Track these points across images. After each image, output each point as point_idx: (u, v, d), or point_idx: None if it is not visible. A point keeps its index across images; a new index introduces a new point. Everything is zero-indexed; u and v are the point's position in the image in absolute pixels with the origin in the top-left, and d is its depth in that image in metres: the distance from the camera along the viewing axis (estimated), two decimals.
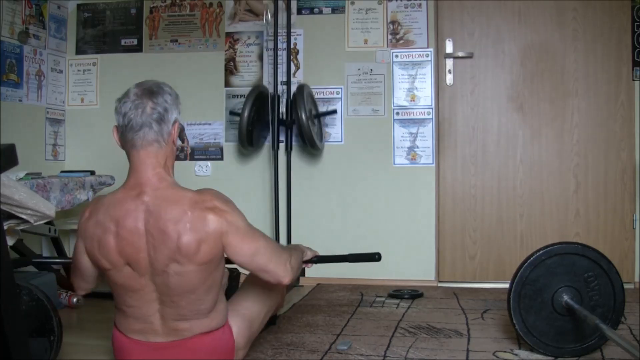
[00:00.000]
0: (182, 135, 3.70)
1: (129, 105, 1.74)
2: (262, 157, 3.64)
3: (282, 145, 3.51)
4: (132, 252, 1.70)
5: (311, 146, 3.40)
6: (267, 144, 3.60)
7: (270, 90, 3.43)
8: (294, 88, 3.55)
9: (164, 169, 1.76)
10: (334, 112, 3.50)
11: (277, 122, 3.38)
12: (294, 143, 3.54)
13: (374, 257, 2.32)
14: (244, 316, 1.96)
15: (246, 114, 3.27)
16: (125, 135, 1.75)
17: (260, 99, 3.37)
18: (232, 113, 3.56)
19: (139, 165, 1.74)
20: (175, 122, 1.78)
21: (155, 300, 1.76)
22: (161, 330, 1.79)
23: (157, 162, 1.74)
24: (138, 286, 1.74)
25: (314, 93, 3.53)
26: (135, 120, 1.72)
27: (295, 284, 3.39)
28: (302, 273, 3.33)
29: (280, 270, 1.82)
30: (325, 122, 3.59)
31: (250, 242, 1.77)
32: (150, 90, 1.76)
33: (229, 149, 3.70)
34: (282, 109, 3.45)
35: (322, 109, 3.57)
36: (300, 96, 3.29)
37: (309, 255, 2.24)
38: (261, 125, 3.44)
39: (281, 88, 3.47)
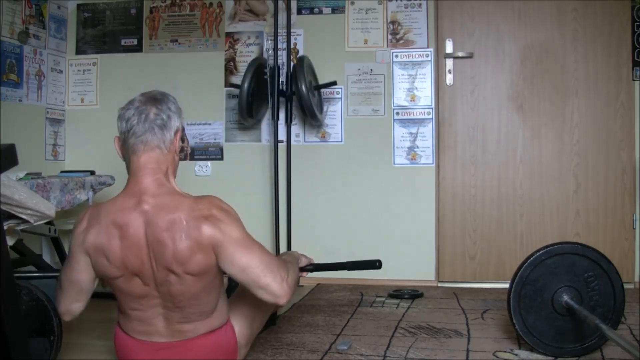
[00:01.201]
0: (182, 134, 3.70)
1: (132, 112, 1.73)
2: (262, 154, 3.64)
3: (282, 118, 3.50)
4: (137, 263, 1.68)
5: (311, 117, 3.40)
6: (268, 116, 3.59)
7: (271, 62, 3.40)
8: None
9: (164, 176, 1.74)
10: (334, 83, 3.46)
11: (277, 93, 3.35)
12: (294, 114, 3.53)
13: (374, 264, 2.19)
14: (245, 314, 1.96)
15: (246, 85, 3.26)
16: (127, 142, 1.73)
17: (260, 70, 3.35)
18: (232, 85, 3.55)
19: (139, 171, 1.72)
20: (177, 131, 1.77)
21: (159, 305, 1.76)
22: (165, 332, 1.79)
23: (157, 167, 1.72)
24: (143, 293, 1.73)
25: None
26: (138, 125, 1.71)
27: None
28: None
29: (275, 288, 1.71)
30: (325, 122, 3.59)
31: (244, 254, 1.69)
32: (154, 98, 1.76)
33: (229, 149, 3.70)
34: (282, 80, 3.43)
35: (322, 114, 3.57)
36: (301, 68, 3.28)
37: (303, 263, 2.15)
38: (261, 97, 3.41)
39: (281, 60, 3.45)
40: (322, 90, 3.54)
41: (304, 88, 3.23)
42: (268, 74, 3.32)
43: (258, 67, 3.34)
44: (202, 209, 1.68)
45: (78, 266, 1.75)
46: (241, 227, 1.73)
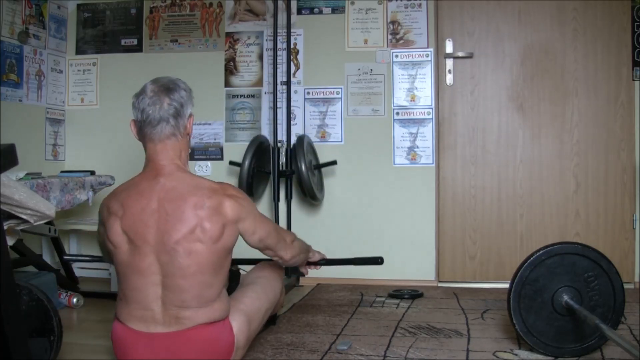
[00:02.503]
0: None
1: (146, 101, 1.85)
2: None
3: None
4: (142, 227, 1.77)
5: (311, 197, 3.39)
6: (267, 194, 3.60)
7: (271, 141, 3.43)
8: (293, 88, 3.56)
9: (180, 160, 1.88)
10: (334, 163, 3.45)
11: (278, 174, 3.35)
12: (293, 193, 3.54)
13: (377, 260, 2.52)
14: (244, 313, 1.96)
15: (246, 165, 3.26)
16: (144, 130, 1.86)
17: (260, 149, 3.37)
18: (232, 163, 3.50)
19: (155, 156, 1.86)
20: (190, 115, 1.91)
21: (158, 284, 1.78)
22: (162, 319, 1.79)
23: (173, 154, 1.86)
24: (143, 265, 1.77)
25: (313, 95, 3.52)
26: (154, 115, 1.83)
27: (295, 283, 3.39)
28: (301, 274, 3.34)
29: (283, 249, 2.07)
30: (325, 122, 3.59)
31: (262, 226, 1.95)
32: (166, 87, 1.88)
33: (229, 149, 3.70)
34: (282, 159, 3.43)
35: (322, 108, 3.57)
36: (300, 147, 3.29)
37: (316, 257, 2.42)
38: (261, 176, 3.43)
39: (281, 135, 3.44)
40: (323, 92, 3.54)
41: (304, 168, 3.23)
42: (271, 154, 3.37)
43: (258, 146, 3.36)
44: (225, 189, 1.87)
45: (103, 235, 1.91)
46: (254, 205, 1.98)
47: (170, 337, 1.79)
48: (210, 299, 1.82)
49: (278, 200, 3.37)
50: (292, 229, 3.48)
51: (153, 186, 1.82)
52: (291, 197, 3.51)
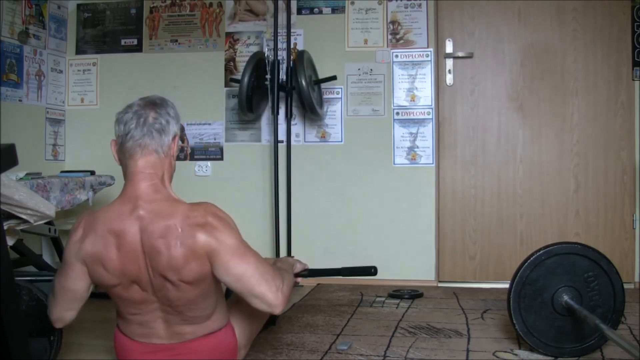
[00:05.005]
0: (182, 135, 3.70)
1: (130, 115, 1.72)
2: (262, 154, 3.64)
3: (282, 112, 3.49)
4: (134, 270, 1.67)
5: (311, 112, 3.39)
6: (268, 111, 3.58)
7: (271, 56, 3.37)
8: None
9: (160, 181, 1.72)
10: (334, 78, 3.41)
11: (277, 88, 3.32)
12: (294, 109, 3.52)
13: (370, 270, 2.17)
14: (244, 314, 1.96)
15: (246, 79, 3.25)
16: (125, 145, 1.71)
17: (260, 65, 3.34)
18: (232, 80, 3.53)
19: (135, 176, 1.70)
20: (175, 136, 1.76)
21: (158, 309, 1.76)
22: (165, 334, 1.79)
23: (154, 172, 1.71)
24: (141, 299, 1.73)
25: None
26: (137, 129, 1.70)
27: (295, 284, 3.39)
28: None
29: (270, 297, 1.69)
30: (325, 122, 3.59)
31: (239, 263, 1.67)
32: (153, 102, 1.75)
33: (229, 148, 3.70)
34: (282, 75, 3.40)
35: (322, 109, 3.56)
36: (300, 62, 3.27)
37: (298, 268, 2.18)
38: (261, 91, 3.39)
39: (281, 54, 3.44)
40: (323, 89, 3.54)
41: (303, 82, 3.22)
42: (268, 69, 3.29)
43: (258, 61, 3.33)
44: (197, 216, 1.65)
45: (73, 274, 1.72)
46: (237, 235, 1.71)
47: (173, 347, 1.79)
48: (208, 316, 1.81)
49: (277, 113, 3.32)
50: (292, 229, 3.48)
51: (133, 223, 1.65)
52: (291, 115, 3.48)
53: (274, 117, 3.31)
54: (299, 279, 2.19)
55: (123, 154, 1.73)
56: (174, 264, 1.64)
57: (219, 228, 1.66)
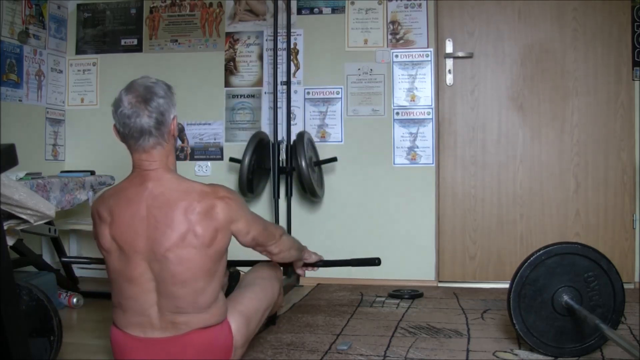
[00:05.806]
0: (181, 135, 3.71)
1: (125, 114, 1.75)
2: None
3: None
4: (131, 235, 1.74)
5: (311, 194, 3.38)
6: (267, 191, 3.59)
7: (271, 138, 3.44)
8: (293, 88, 3.56)
9: (167, 165, 1.82)
10: (334, 159, 3.44)
11: (278, 171, 3.34)
12: (293, 190, 3.53)
13: (374, 261, 2.47)
14: (242, 313, 1.96)
15: (247, 162, 3.26)
16: (127, 142, 1.80)
17: (260, 146, 3.36)
18: (232, 160, 3.49)
19: (141, 164, 1.81)
20: (173, 117, 1.82)
21: (152, 290, 1.77)
22: (159, 324, 1.79)
23: (159, 161, 1.80)
24: (135, 273, 1.76)
25: (313, 95, 3.52)
26: (135, 128, 1.75)
27: (295, 283, 3.39)
28: (298, 280, 3.34)
29: (272, 244, 2.05)
30: (325, 122, 3.59)
31: (255, 227, 1.92)
32: (143, 98, 1.76)
33: (229, 149, 3.70)
34: (282, 156, 3.43)
35: (322, 108, 3.57)
36: (300, 143, 3.28)
37: (314, 259, 2.39)
38: (261, 172, 3.43)
39: (281, 135, 3.46)
40: (323, 92, 3.54)
41: (304, 164, 3.22)
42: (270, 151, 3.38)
43: (258, 142, 3.35)
44: (216, 192, 1.81)
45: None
46: (246, 204, 1.94)
47: (167, 342, 1.79)
48: (206, 305, 1.81)
49: (278, 197, 3.37)
50: (292, 228, 3.49)
51: (141, 192, 1.77)
52: (291, 194, 3.50)
53: (274, 200, 3.41)
54: (316, 268, 2.46)
55: (126, 145, 1.82)
56: (201, 237, 1.75)
57: (234, 199, 1.85)
